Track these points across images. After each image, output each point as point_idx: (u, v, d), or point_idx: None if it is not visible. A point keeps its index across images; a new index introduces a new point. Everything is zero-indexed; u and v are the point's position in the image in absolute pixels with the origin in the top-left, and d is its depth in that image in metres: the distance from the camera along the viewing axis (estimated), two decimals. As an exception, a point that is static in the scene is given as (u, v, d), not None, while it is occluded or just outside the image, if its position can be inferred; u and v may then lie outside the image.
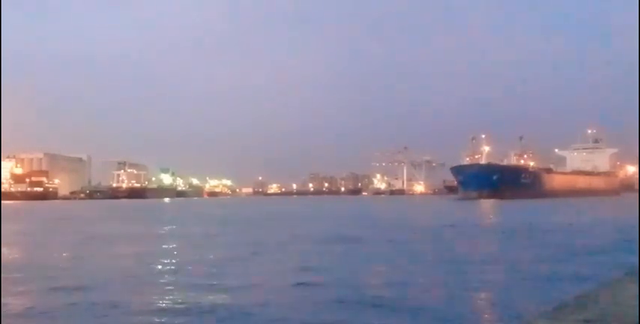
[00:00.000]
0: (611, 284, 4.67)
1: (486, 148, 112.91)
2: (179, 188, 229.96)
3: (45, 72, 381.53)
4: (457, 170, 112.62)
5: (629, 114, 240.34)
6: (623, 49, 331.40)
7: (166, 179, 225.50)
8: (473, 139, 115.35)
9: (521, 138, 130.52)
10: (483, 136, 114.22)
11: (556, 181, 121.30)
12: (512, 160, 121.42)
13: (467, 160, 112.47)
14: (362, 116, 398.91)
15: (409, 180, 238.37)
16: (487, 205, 75.05)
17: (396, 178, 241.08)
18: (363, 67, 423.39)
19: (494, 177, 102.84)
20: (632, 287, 4.14)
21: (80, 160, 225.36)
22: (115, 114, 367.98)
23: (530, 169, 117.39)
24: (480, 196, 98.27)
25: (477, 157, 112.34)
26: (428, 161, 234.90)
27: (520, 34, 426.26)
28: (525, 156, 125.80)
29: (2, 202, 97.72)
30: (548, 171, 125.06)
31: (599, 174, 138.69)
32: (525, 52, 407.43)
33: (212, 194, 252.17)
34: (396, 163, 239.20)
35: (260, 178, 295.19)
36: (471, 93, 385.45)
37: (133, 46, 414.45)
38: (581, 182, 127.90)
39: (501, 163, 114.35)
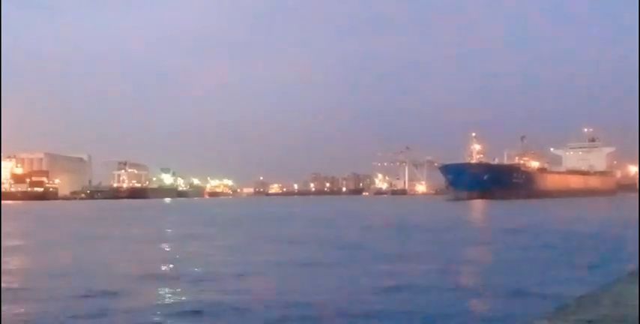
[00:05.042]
0: (613, 285, 4.69)
1: (477, 147, 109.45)
2: (180, 188, 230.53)
3: (45, 72, 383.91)
4: (446, 169, 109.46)
5: (628, 113, 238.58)
6: (624, 48, 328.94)
7: (167, 179, 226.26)
8: (475, 138, 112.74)
9: (522, 138, 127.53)
10: (474, 134, 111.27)
11: (550, 180, 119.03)
12: (512, 160, 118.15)
13: (468, 160, 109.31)
14: (363, 116, 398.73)
15: (411, 180, 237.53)
16: (474, 205, 73.08)
17: (398, 178, 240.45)
18: (364, 67, 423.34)
19: (485, 177, 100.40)
20: (633, 288, 4.14)
21: (81, 160, 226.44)
22: (116, 114, 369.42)
23: (523, 169, 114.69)
24: (470, 197, 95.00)
25: (478, 156, 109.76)
26: (430, 161, 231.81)
27: (520, 35, 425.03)
28: (526, 157, 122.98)
29: (2, 202, 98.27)
30: (542, 170, 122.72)
31: (595, 173, 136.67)
32: (526, 51, 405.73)
33: (213, 194, 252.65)
34: (398, 163, 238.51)
35: (261, 178, 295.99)
36: (472, 92, 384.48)
37: (133, 45, 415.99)
38: (577, 182, 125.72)
39: (493, 163, 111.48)
